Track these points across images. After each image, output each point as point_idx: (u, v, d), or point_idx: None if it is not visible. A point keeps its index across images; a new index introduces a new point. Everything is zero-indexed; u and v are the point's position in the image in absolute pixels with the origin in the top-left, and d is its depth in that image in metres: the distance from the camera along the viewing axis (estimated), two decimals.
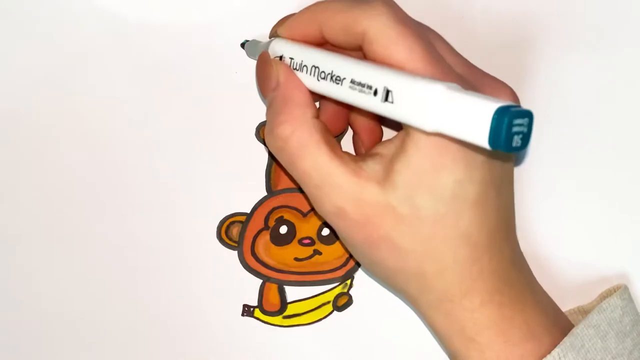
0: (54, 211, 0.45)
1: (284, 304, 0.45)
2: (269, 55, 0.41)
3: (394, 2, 0.38)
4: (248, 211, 0.45)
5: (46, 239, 0.45)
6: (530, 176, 0.44)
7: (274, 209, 0.45)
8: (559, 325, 0.40)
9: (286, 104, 0.39)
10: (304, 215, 0.45)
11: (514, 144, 0.32)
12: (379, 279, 0.43)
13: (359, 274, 0.45)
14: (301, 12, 0.40)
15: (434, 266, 0.38)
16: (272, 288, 0.45)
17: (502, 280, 0.38)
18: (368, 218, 0.38)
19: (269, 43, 0.41)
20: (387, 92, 0.35)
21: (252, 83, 0.45)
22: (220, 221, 0.45)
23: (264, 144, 0.45)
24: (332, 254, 0.45)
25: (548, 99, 0.44)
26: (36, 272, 0.45)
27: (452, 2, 0.44)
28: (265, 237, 0.45)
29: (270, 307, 0.45)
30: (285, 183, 0.45)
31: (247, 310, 0.45)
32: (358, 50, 0.38)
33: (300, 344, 0.45)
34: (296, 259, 0.45)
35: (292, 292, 0.45)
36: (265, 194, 0.45)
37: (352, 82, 0.36)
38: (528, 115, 0.32)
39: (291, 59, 0.40)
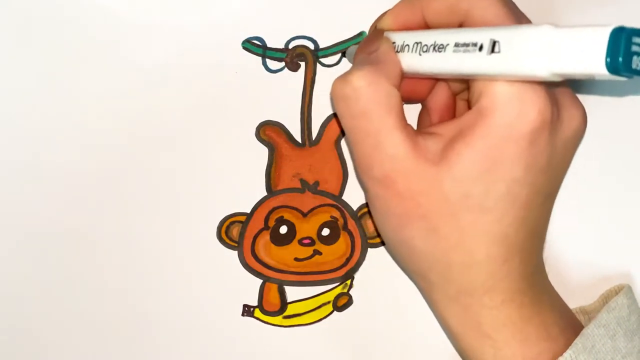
0: (54, 211, 0.45)
1: (284, 304, 0.45)
2: (382, 31, 0.40)
3: None
4: (248, 211, 0.45)
5: (46, 240, 0.45)
6: None
7: (274, 209, 0.45)
8: (572, 325, 0.40)
9: (375, 62, 0.38)
10: (304, 215, 0.45)
11: (634, 66, 0.30)
12: (399, 260, 0.42)
13: (359, 274, 0.45)
14: (400, 2, 0.40)
15: (463, 257, 0.37)
16: (272, 288, 0.45)
17: (526, 282, 0.38)
18: (413, 194, 0.37)
19: None
20: (494, 43, 0.34)
21: (252, 83, 0.45)
22: (220, 221, 0.45)
23: (264, 144, 0.45)
24: (332, 254, 0.45)
25: None
26: (35, 272, 0.45)
27: None
28: (265, 237, 0.45)
29: (270, 307, 0.45)
30: (285, 183, 0.45)
31: (247, 310, 0.45)
32: None
33: (300, 344, 0.45)
34: (296, 259, 0.45)
35: (292, 292, 0.45)
36: (265, 194, 0.45)
37: (456, 44, 0.35)
38: None
39: (393, 43, 0.39)
